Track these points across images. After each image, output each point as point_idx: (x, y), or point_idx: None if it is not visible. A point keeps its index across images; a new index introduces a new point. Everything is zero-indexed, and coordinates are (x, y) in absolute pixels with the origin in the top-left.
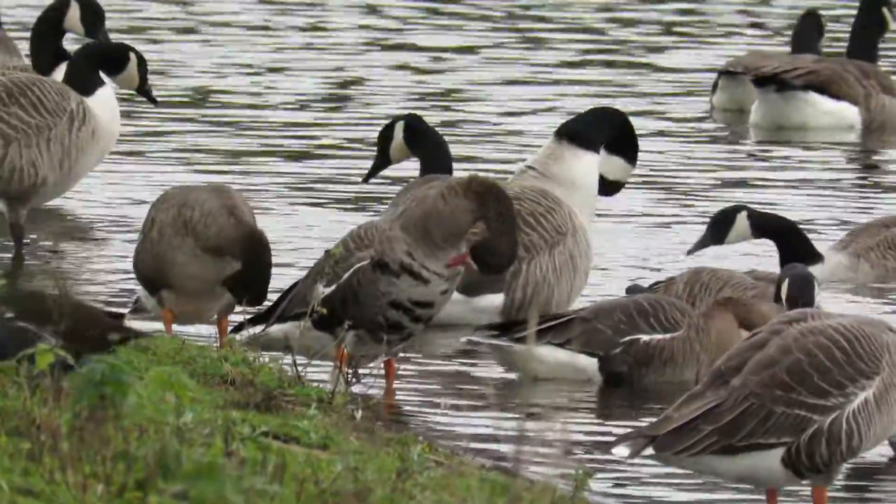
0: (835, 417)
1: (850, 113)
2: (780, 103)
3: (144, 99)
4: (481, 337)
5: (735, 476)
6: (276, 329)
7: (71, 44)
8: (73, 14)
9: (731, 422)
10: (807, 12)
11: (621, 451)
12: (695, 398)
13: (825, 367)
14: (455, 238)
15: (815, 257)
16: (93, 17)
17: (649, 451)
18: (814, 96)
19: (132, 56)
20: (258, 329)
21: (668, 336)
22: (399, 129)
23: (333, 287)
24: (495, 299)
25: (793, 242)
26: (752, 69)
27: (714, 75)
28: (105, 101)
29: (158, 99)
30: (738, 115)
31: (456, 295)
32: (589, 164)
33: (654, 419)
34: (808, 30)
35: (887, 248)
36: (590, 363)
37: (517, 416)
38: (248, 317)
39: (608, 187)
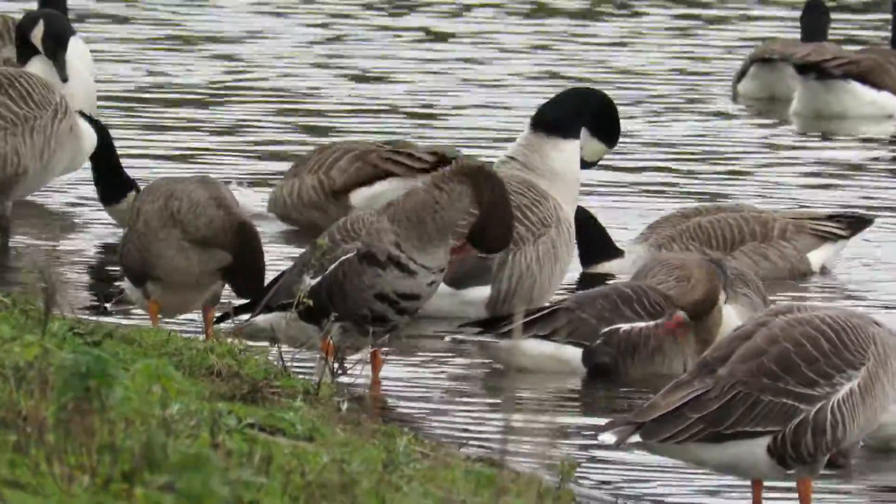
0: (820, 407)
1: (890, 102)
2: (820, 92)
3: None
4: (466, 334)
5: (721, 465)
6: (262, 319)
7: None
8: (37, 33)
9: (717, 410)
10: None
11: (608, 437)
12: (681, 386)
13: (812, 356)
14: (447, 228)
15: (615, 251)
16: (51, 42)
17: (636, 438)
18: (854, 85)
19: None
20: (244, 318)
21: (651, 324)
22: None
23: (319, 278)
24: (482, 291)
25: (592, 235)
26: (786, 56)
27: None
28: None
29: (153, 94)
30: (767, 102)
31: (443, 288)
32: (570, 153)
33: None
34: (815, 16)
35: (690, 239)
36: (575, 354)
37: (503, 407)
38: (235, 306)
39: (583, 164)
